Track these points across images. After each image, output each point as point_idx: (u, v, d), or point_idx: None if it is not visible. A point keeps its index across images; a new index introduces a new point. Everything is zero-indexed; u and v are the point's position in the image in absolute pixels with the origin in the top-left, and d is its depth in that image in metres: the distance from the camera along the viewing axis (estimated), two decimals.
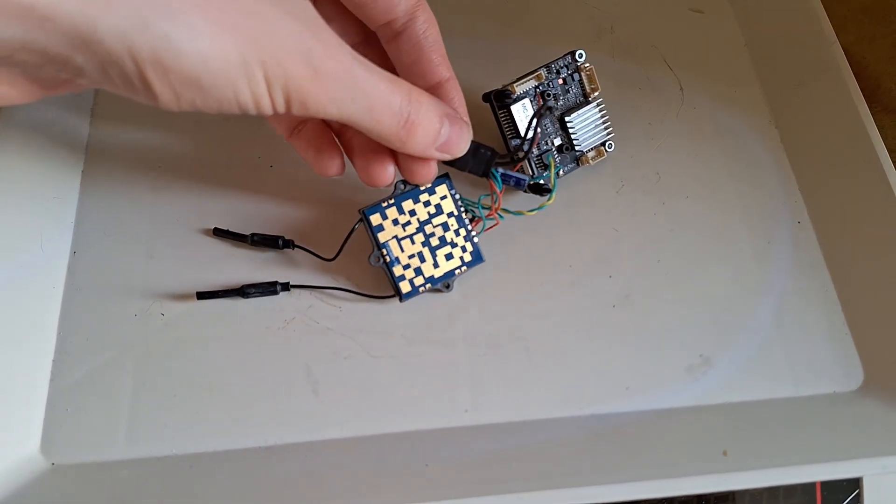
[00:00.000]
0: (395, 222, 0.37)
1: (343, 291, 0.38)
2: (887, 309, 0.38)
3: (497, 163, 0.36)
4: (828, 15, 0.44)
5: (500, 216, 0.38)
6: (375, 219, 0.36)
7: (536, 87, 0.38)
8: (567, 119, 0.39)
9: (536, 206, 0.38)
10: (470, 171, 0.36)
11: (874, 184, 0.40)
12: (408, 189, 0.37)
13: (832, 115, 0.42)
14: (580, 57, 0.39)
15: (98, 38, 0.23)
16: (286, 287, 0.38)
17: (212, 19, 0.24)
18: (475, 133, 0.35)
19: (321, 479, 0.33)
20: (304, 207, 0.40)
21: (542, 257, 0.39)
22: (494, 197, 0.37)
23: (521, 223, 0.40)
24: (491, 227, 0.38)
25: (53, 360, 0.36)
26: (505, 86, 0.38)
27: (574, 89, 0.39)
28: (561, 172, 0.40)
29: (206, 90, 0.25)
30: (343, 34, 0.32)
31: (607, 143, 0.41)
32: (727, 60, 0.46)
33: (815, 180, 0.42)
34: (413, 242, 0.37)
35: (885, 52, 0.65)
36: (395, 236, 0.37)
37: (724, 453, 0.33)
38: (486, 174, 0.36)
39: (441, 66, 0.34)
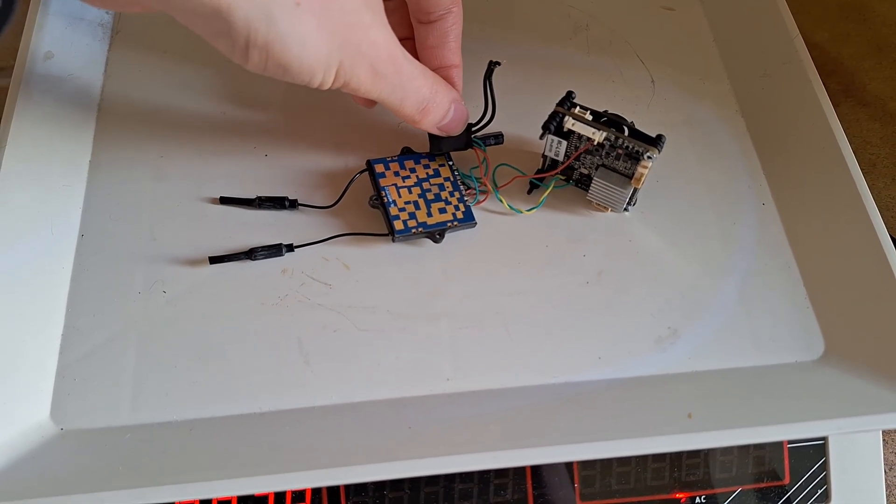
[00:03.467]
0: (396, 174, 0.41)
1: (343, 237, 0.40)
2: (846, 284, 0.40)
3: (473, 133, 0.41)
4: (803, 14, 0.46)
5: (496, 192, 0.41)
6: (379, 168, 0.41)
7: (589, 140, 0.38)
8: (596, 175, 0.39)
9: (531, 207, 0.41)
10: (456, 149, 0.40)
11: (834, 168, 0.41)
12: (411, 154, 0.42)
13: (795, 104, 0.44)
14: (649, 157, 0.37)
15: (228, 17, 0.28)
16: (290, 248, 0.40)
17: (322, 26, 0.30)
18: None
19: (312, 442, 0.35)
20: (304, 182, 0.43)
21: (521, 238, 0.41)
22: (484, 164, 0.41)
23: (500, 207, 0.41)
24: (483, 201, 0.41)
25: (62, 335, 0.37)
26: (565, 113, 0.38)
27: (622, 164, 0.39)
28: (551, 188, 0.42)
29: (291, 72, 0.31)
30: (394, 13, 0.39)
31: (612, 208, 0.41)
32: (696, 55, 0.48)
33: (778, 165, 0.44)
34: (410, 192, 0.40)
35: (859, 50, 0.67)
36: (395, 184, 0.40)
37: (689, 416, 0.35)
38: (468, 145, 0.40)
39: (456, 53, 0.40)
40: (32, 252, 0.39)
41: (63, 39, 0.45)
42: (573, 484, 0.39)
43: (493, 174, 0.42)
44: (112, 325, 0.38)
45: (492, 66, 0.40)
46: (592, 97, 0.43)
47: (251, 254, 0.39)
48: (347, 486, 0.37)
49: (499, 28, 0.48)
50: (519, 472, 0.38)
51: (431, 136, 0.41)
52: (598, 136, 0.36)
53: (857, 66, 0.66)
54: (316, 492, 0.37)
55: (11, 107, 0.41)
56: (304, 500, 0.37)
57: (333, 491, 0.37)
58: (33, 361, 0.36)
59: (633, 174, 0.37)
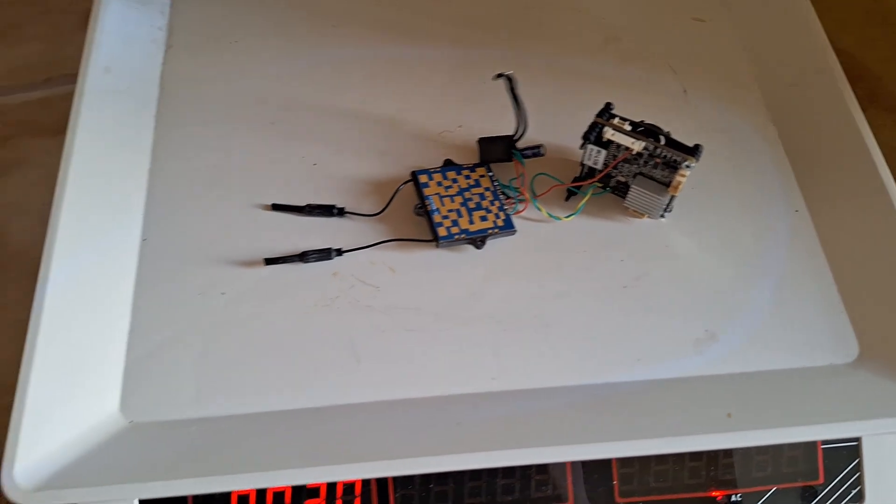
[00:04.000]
0: (439, 184, 0.43)
1: (389, 242, 0.42)
2: (879, 289, 0.41)
3: (515, 144, 0.42)
4: (829, 19, 0.47)
5: (534, 200, 0.43)
6: (423, 178, 0.43)
7: (627, 149, 0.39)
8: (634, 183, 0.40)
9: (569, 214, 0.43)
10: (497, 160, 0.42)
11: (865, 174, 0.42)
12: (453, 165, 0.44)
13: (825, 112, 0.45)
14: (686, 166, 0.38)
15: None
16: (339, 252, 0.41)
17: None
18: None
19: (365, 436, 0.36)
20: (350, 190, 0.45)
21: (560, 244, 0.42)
22: (521, 176, 0.43)
23: (539, 215, 0.43)
24: (522, 210, 0.43)
25: (129, 333, 0.40)
26: (604, 124, 0.39)
27: (660, 172, 0.40)
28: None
29: None
30: None
31: (648, 215, 0.42)
32: (727, 64, 0.49)
33: (810, 172, 0.45)
34: (452, 201, 0.42)
35: (885, 54, 0.67)
36: (438, 194, 0.42)
37: (728, 415, 0.36)
38: (508, 156, 0.42)
39: None
40: (99, 256, 0.41)
41: (120, 54, 0.48)
42: (612, 481, 0.40)
43: (532, 183, 0.43)
44: (175, 324, 0.40)
45: (502, 78, 0.41)
46: (625, 107, 0.44)
47: (303, 257, 0.41)
48: (396, 479, 0.39)
49: (530, 39, 0.50)
50: (559, 468, 0.39)
51: (480, 145, 0.42)
52: (637, 145, 0.38)
53: (882, 70, 0.67)
54: (366, 483, 0.39)
55: (75, 120, 0.43)
56: (353, 493, 0.39)
57: (382, 483, 0.39)
58: (102, 359, 0.38)
59: (671, 182, 0.39)
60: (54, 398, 0.36)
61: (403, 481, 0.39)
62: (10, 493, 0.33)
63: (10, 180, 0.65)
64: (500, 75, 0.40)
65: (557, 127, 0.45)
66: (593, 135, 0.38)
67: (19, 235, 0.62)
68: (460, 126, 0.47)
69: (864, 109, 0.44)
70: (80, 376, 0.37)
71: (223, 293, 0.41)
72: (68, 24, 0.76)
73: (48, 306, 0.37)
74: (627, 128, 0.38)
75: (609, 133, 0.38)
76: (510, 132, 0.44)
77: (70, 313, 0.38)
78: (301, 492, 0.38)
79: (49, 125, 0.70)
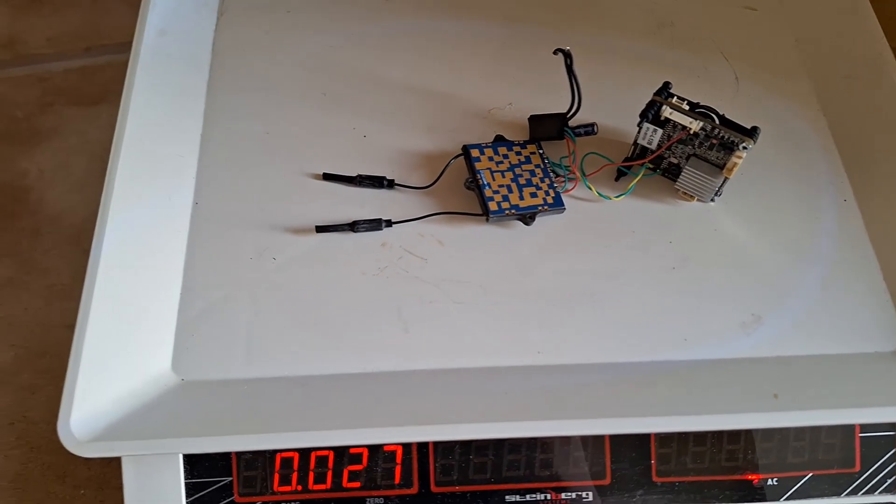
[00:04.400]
0: (490, 159, 0.42)
1: (438, 215, 0.42)
2: None
3: (567, 121, 0.42)
4: (878, 13, 0.47)
5: (584, 179, 0.42)
6: (474, 152, 0.43)
7: (685, 129, 0.39)
8: (687, 165, 0.40)
9: (620, 194, 0.43)
10: (548, 138, 0.41)
11: None
12: (504, 141, 0.44)
13: (876, 103, 0.45)
14: (744, 147, 0.38)
15: None
16: (389, 223, 0.42)
17: None
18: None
19: (412, 402, 0.37)
20: (399, 162, 0.45)
21: (608, 224, 0.43)
22: (573, 154, 0.42)
23: (588, 194, 0.43)
24: (572, 188, 0.43)
25: (181, 294, 0.40)
26: (662, 102, 0.39)
27: (715, 154, 0.40)
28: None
29: None
30: None
31: (699, 198, 0.42)
32: (778, 54, 0.49)
33: (859, 162, 0.44)
34: (503, 176, 0.42)
35: None
36: (489, 169, 0.42)
37: (775, 396, 0.36)
38: (561, 135, 0.42)
39: None
40: (152, 218, 0.41)
41: (174, 18, 0.48)
42: (650, 460, 0.40)
43: (582, 162, 0.43)
44: (226, 287, 0.40)
45: (560, 54, 0.41)
46: (677, 91, 0.44)
47: (353, 226, 0.41)
48: (436, 449, 0.39)
49: (583, 19, 0.50)
50: (598, 446, 0.39)
51: (531, 122, 0.42)
52: (695, 125, 0.38)
53: None
54: (406, 452, 0.39)
55: (130, 81, 0.43)
56: (394, 460, 0.39)
57: (423, 452, 0.39)
58: (155, 318, 0.39)
59: (726, 164, 0.39)
60: (109, 354, 0.36)
61: (444, 451, 0.39)
62: (66, 443, 0.33)
63: (49, 147, 0.66)
64: (558, 50, 0.39)
65: (608, 107, 0.45)
66: (651, 113, 0.38)
67: (56, 202, 0.63)
68: (510, 104, 0.47)
69: None
70: (134, 334, 0.38)
71: (274, 258, 0.41)
72: None
73: (103, 264, 0.37)
74: (685, 107, 0.38)
75: (667, 111, 0.38)
76: (559, 111, 0.44)
77: (124, 272, 0.38)
78: (343, 456, 0.38)
79: (88, 94, 0.70)
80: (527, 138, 0.44)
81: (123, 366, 0.37)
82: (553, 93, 0.44)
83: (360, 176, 0.43)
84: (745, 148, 0.37)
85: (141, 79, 0.44)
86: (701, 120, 0.37)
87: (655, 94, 0.39)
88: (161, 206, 0.42)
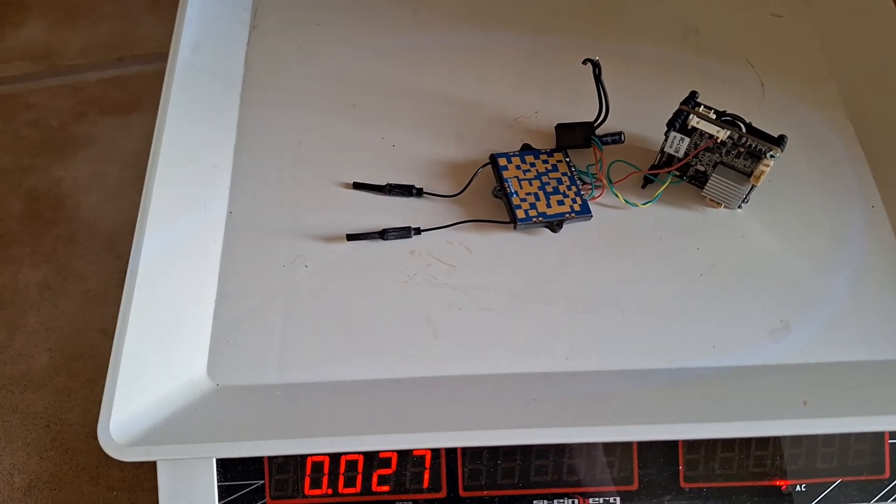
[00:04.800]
0: (518, 167, 0.43)
1: (466, 223, 0.42)
2: None
3: (594, 130, 0.42)
4: None
5: (611, 186, 0.43)
6: (502, 161, 0.43)
7: (712, 137, 0.39)
8: (714, 172, 0.40)
9: (647, 201, 0.43)
10: (575, 146, 0.41)
11: None
12: (531, 150, 0.44)
13: None
14: (771, 156, 0.38)
15: None
16: (418, 231, 0.42)
17: None
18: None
19: (441, 408, 0.37)
20: (428, 171, 0.45)
21: (635, 231, 0.43)
22: (599, 162, 0.43)
23: (615, 201, 0.43)
24: (599, 196, 0.43)
25: (216, 301, 0.41)
26: (689, 112, 0.39)
27: (742, 162, 0.40)
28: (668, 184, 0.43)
29: None
30: None
31: (726, 205, 0.42)
32: (804, 60, 0.49)
33: (888, 169, 0.44)
34: (531, 185, 0.42)
35: None
36: (517, 177, 0.42)
37: (805, 403, 0.36)
38: (588, 143, 0.42)
39: None
40: (188, 227, 0.42)
41: (208, 34, 0.49)
42: (678, 466, 0.40)
43: (609, 170, 0.43)
44: (260, 294, 0.41)
45: (589, 64, 0.41)
46: (703, 98, 0.44)
47: (383, 234, 0.42)
48: (465, 454, 0.39)
49: (609, 29, 0.50)
50: (626, 452, 0.39)
51: (557, 130, 0.43)
52: (722, 134, 0.38)
53: None
54: (435, 457, 0.39)
55: (167, 96, 0.44)
56: (423, 465, 0.40)
57: (451, 458, 0.39)
58: (191, 324, 0.40)
59: (753, 172, 0.38)
60: (146, 360, 0.37)
61: (472, 456, 0.39)
62: (105, 447, 0.34)
63: (83, 155, 0.67)
64: (588, 60, 0.40)
65: (634, 115, 0.45)
66: (678, 122, 0.38)
67: (91, 210, 0.64)
68: (537, 112, 0.47)
69: None
70: (170, 340, 0.39)
71: (306, 266, 0.41)
72: (140, 4, 0.78)
73: (142, 272, 0.38)
74: (712, 116, 0.38)
75: (694, 121, 0.38)
76: (584, 119, 0.44)
77: (161, 279, 0.39)
78: (373, 461, 0.39)
79: (121, 103, 0.72)
80: (553, 147, 0.45)
81: (160, 371, 0.37)
82: (579, 101, 0.44)
83: (389, 185, 0.44)
84: (772, 156, 0.37)
85: (176, 93, 0.45)
86: (728, 129, 0.37)
87: (682, 104, 0.39)
88: (197, 216, 0.43)
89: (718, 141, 0.38)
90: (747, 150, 0.38)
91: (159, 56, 0.46)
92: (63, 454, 0.52)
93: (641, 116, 0.44)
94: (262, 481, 0.38)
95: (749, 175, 0.39)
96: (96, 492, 0.51)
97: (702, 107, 0.38)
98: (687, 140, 0.39)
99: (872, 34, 0.48)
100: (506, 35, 0.51)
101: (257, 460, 0.38)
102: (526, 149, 0.44)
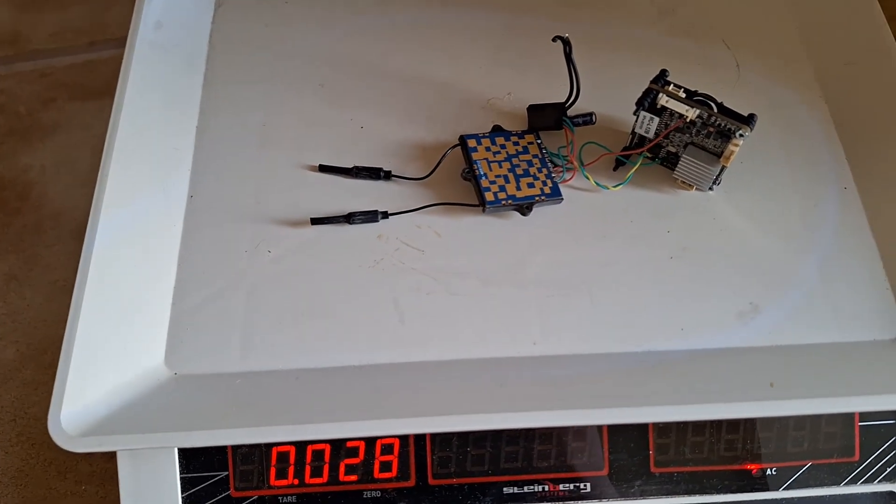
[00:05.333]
0: (488, 149, 0.42)
1: (435, 206, 0.41)
2: None
3: (566, 111, 0.41)
4: (886, 5, 0.46)
5: (582, 169, 0.42)
6: (472, 143, 0.42)
7: (681, 117, 0.38)
8: (685, 153, 0.40)
9: (618, 183, 0.42)
10: (547, 128, 0.40)
11: None
12: (502, 131, 0.43)
13: (878, 91, 0.44)
14: (741, 135, 0.38)
15: None
16: (385, 215, 0.41)
17: None
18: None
19: (408, 394, 0.36)
20: (396, 153, 0.44)
21: (606, 213, 0.42)
22: (571, 144, 0.42)
23: (586, 184, 0.42)
24: (570, 178, 0.42)
25: (174, 287, 0.39)
26: (659, 90, 0.38)
27: (712, 142, 0.39)
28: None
29: None
30: None
31: (697, 186, 0.41)
32: (780, 41, 0.48)
33: (860, 150, 0.43)
34: (500, 167, 0.41)
35: None
36: (486, 159, 0.41)
37: (771, 384, 0.35)
38: (559, 125, 0.41)
39: None
40: (147, 211, 0.41)
41: (171, 10, 0.47)
42: (648, 451, 0.39)
43: (580, 152, 0.42)
44: (220, 280, 0.39)
45: (559, 41, 0.40)
46: (678, 79, 0.43)
47: (349, 218, 0.41)
48: (434, 441, 0.38)
49: (583, 8, 0.49)
50: (596, 436, 0.39)
51: (529, 112, 0.41)
52: (691, 113, 0.37)
53: None
54: (404, 445, 0.38)
55: (126, 74, 0.43)
56: (392, 452, 0.39)
57: (420, 445, 0.38)
58: (149, 311, 0.38)
59: (723, 152, 0.38)
60: (101, 348, 0.36)
61: (441, 444, 0.38)
62: (56, 438, 0.33)
63: (53, 142, 0.66)
64: (557, 38, 0.39)
65: (607, 96, 0.44)
66: (647, 101, 0.37)
67: (58, 198, 0.62)
68: (509, 93, 0.46)
69: None
70: (126, 328, 0.37)
71: (269, 251, 0.40)
72: None
73: (96, 258, 0.37)
74: (682, 95, 0.37)
75: (663, 99, 0.37)
76: (558, 100, 0.43)
77: (117, 266, 0.38)
78: (340, 450, 0.38)
79: (92, 88, 0.70)
80: (525, 128, 0.43)
81: (116, 360, 0.36)
82: (552, 83, 0.43)
83: (356, 167, 0.42)
84: (741, 135, 0.36)
85: (136, 71, 0.43)
86: (697, 108, 0.36)
87: (652, 82, 0.38)
88: (156, 199, 0.41)
89: (688, 120, 0.37)
90: (717, 129, 0.37)
91: None
92: (29, 449, 0.51)
93: (615, 97, 0.43)
94: (227, 472, 0.37)
95: (719, 156, 0.38)
96: (64, 486, 0.50)
97: (671, 85, 0.37)
98: (657, 120, 0.38)
99: (847, 15, 0.47)
100: (478, 14, 0.50)
101: (220, 451, 0.37)
102: (496, 130, 0.43)
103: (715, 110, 0.37)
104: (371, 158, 0.43)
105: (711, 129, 0.37)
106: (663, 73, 0.38)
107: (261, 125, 0.44)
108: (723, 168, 0.39)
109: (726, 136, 0.37)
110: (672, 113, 0.37)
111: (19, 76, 0.71)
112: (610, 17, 0.49)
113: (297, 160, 0.43)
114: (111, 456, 0.48)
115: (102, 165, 0.39)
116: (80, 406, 0.34)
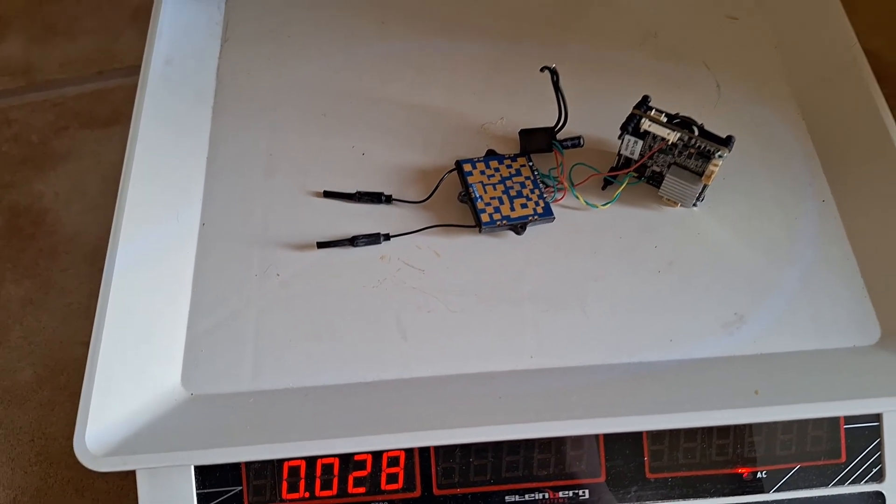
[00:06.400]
0: (482, 172, 0.43)
1: (435, 228, 0.43)
2: None
3: (555, 135, 0.43)
4: (857, 22, 0.47)
5: (572, 189, 0.43)
6: (467, 167, 0.43)
7: (663, 140, 0.40)
8: (668, 173, 0.41)
9: (606, 202, 0.43)
10: (538, 151, 0.42)
11: (889, 167, 0.43)
12: (495, 155, 0.45)
13: (854, 107, 0.45)
14: (719, 156, 0.39)
15: None
16: (387, 237, 0.42)
17: None
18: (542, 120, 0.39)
19: (412, 408, 0.37)
20: (397, 178, 0.46)
21: (596, 231, 0.43)
22: (561, 165, 0.43)
23: (576, 203, 0.44)
24: (561, 198, 0.43)
25: (189, 311, 0.41)
26: (641, 115, 0.40)
27: (694, 162, 0.40)
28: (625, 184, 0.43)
29: None
30: None
31: (681, 203, 0.43)
32: (759, 61, 0.50)
33: (837, 164, 0.45)
34: (495, 189, 0.43)
35: None
36: (481, 182, 0.43)
37: (756, 392, 0.37)
38: (549, 147, 0.43)
39: None
40: (161, 238, 0.42)
41: (180, 46, 0.49)
42: (643, 457, 0.41)
43: (570, 173, 0.44)
44: (233, 303, 0.41)
45: (547, 71, 0.41)
46: (661, 101, 0.44)
47: (353, 241, 0.42)
48: (438, 453, 0.40)
49: (571, 34, 0.51)
50: (593, 445, 0.40)
51: (521, 136, 0.43)
52: (673, 136, 0.38)
53: None
54: (409, 457, 0.40)
55: (139, 107, 0.44)
56: (398, 464, 0.40)
57: (425, 457, 0.40)
58: (165, 335, 0.40)
59: (704, 172, 0.39)
60: (121, 371, 0.37)
61: (445, 455, 0.39)
62: (81, 458, 0.34)
63: (64, 169, 0.67)
64: (545, 68, 0.40)
65: (595, 119, 0.45)
66: (631, 125, 0.39)
67: (71, 223, 0.64)
68: (502, 118, 0.47)
69: (890, 108, 0.44)
70: (145, 350, 0.39)
71: (278, 274, 0.42)
72: (119, 19, 0.78)
73: (115, 285, 0.38)
74: (663, 119, 0.39)
75: (646, 124, 0.39)
76: (549, 124, 0.44)
77: (135, 291, 0.39)
78: (348, 463, 0.39)
79: (101, 117, 0.71)
80: (518, 152, 0.45)
81: (135, 382, 0.38)
82: (543, 108, 0.45)
83: (359, 192, 0.44)
84: (720, 156, 0.38)
85: (149, 105, 0.45)
86: (678, 131, 0.38)
87: (635, 108, 0.39)
88: (170, 226, 0.43)
89: (670, 143, 0.39)
90: (697, 151, 0.39)
91: (139, 69, 0.46)
92: (48, 468, 0.52)
93: (602, 120, 0.45)
94: (241, 487, 0.38)
95: (701, 174, 0.39)
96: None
97: (653, 110, 0.39)
98: (640, 142, 0.40)
99: (823, 35, 0.49)
100: (471, 44, 0.51)
101: (235, 467, 0.38)
102: (490, 154, 0.45)
103: (695, 133, 0.39)
104: (372, 183, 0.45)
105: (692, 151, 0.39)
106: (645, 98, 0.40)
107: (267, 154, 0.46)
108: (705, 186, 0.40)
109: (706, 156, 0.39)
110: (654, 136, 0.39)
111: (31, 105, 0.72)
112: (597, 41, 0.50)
113: (302, 187, 0.45)
114: (127, 473, 0.49)
115: (119, 196, 0.41)
116: (102, 427, 0.35)
